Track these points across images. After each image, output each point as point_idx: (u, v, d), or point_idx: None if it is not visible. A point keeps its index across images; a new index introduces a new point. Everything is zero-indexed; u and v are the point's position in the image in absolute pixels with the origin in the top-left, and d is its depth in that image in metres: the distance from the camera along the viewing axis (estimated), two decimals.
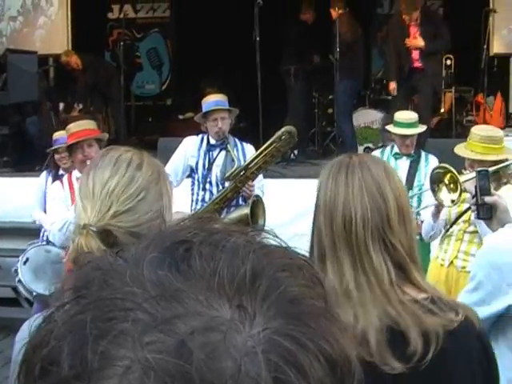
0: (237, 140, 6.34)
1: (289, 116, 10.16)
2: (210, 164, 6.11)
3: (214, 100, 6.31)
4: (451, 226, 4.96)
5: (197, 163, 6.15)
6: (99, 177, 1.87)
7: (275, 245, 0.67)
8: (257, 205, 5.56)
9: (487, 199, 3.41)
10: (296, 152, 10.28)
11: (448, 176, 4.68)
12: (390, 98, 10.91)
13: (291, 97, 10.62)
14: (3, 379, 6.06)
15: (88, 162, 5.27)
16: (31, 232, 6.53)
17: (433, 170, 4.98)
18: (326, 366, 0.60)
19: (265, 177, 7.17)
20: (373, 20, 13.58)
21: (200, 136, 6.28)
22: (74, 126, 5.76)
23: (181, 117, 12.98)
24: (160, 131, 10.48)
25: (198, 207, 6.03)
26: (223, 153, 6.13)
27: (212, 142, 6.16)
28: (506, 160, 4.82)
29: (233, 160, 5.98)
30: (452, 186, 4.62)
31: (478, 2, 11.01)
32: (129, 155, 1.92)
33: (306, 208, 7.65)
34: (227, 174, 5.81)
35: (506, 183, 4.78)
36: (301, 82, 10.56)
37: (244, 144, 6.34)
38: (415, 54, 9.51)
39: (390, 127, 6.29)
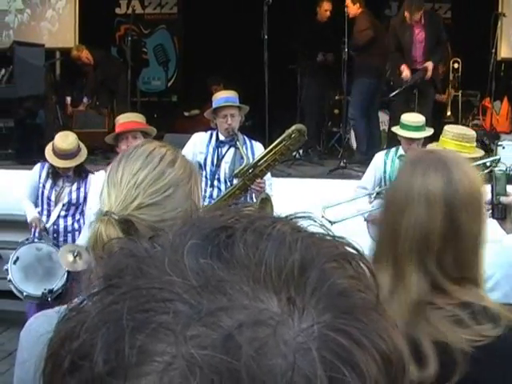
0: (246, 137, 6.30)
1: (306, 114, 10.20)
2: (219, 160, 6.07)
3: (224, 96, 6.24)
4: None
5: (205, 159, 6.10)
6: (129, 167, 1.85)
7: (323, 233, 0.63)
8: (265, 203, 5.52)
9: (503, 199, 3.41)
10: (301, 152, 10.25)
11: None
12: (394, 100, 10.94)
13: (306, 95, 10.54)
14: (4, 372, 6.03)
15: None
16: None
17: None
18: (381, 364, 0.55)
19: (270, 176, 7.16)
20: (380, 22, 13.53)
21: (209, 132, 6.24)
22: (122, 118, 5.89)
23: (186, 114, 12.95)
24: (165, 128, 10.42)
25: (206, 204, 5.99)
26: (232, 149, 6.08)
27: (221, 138, 6.11)
28: (479, 159, 4.87)
29: (242, 157, 5.93)
30: None
31: (487, 6, 10.97)
32: (163, 150, 1.89)
33: (309, 207, 7.64)
34: (236, 171, 5.76)
35: None
36: (314, 81, 10.49)
37: (253, 142, 6.30)
38: (417, 55, 9.48)
39: (396, 129, 6.22)
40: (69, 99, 11.39)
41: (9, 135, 10.07)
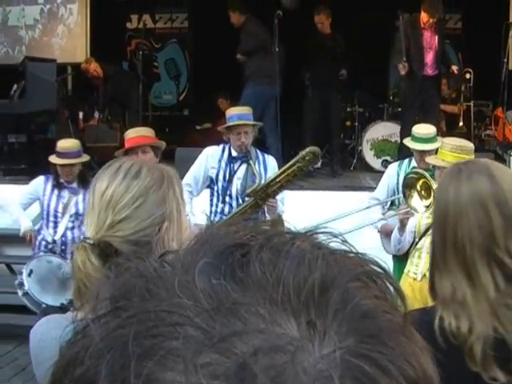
0: (258, 152, 6.23)
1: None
2: (231, 176, 5.99)
3: (237, 113, 6.13)
4: (420, 239, 4.89)
5: (217, 175, 6.03)
6: (98, 188, 1.90)
7: (344, 250, 0.59)
8: (276, 223, 5.47)
9: None
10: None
11: (421, 182, 4.80)
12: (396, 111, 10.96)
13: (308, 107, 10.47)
14: None
15: None
16: None
17: (406, 175, 5.09)
18: None
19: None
20: (391, 33, 13.51)
21: (221, 146, 6.16)
22: (131, 132, 5.88)
23: (198, 127, 12.94)
24: (177, 141, 10.42)
25: (217, 219, 5.95)
26: (244, 165, 6.00)
27: (233, 153, 6.02)
28: None
29: (254, 173, 5.89)
30: (424, 192, 4.75)
31: (498, 16, 10.94)
32: (128, 164, 1.93)
33: (323, 220, 7.61)
34: (248, 191, 5.71)
35: None
36: (316, 93, 10.41)
37: (266, 156, 6.23)
38: (428, 61, 9.45)
39: (407, 141, 6.16)
40: (81, 114, 11.41)
41: (21, 150, 10.08)
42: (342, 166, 10.30)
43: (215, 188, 6.04)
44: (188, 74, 14.75)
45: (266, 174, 6.02)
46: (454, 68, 9.46)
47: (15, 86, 9.89)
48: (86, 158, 6.45)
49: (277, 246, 0.56)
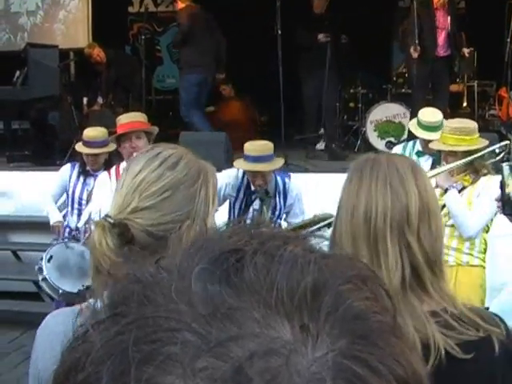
0: (279, 180, 5.87)
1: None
2: (247, 207, 5.79)
3: (254, 155, 5.62)
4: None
5: (234, 202, 5.82)
6: (132, 170, 1.84)
7: (336, 253, 0.60)
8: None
9: None
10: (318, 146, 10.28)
11: None
12: (410, 91, 10.87)
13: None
14: (24, 374, 6.06)
15: (135, 154, 5.33)
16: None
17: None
18: None
19: (287, 171, 7.11)
20: (394, 13, 13.47)
21: (241, 173, 5.81)
22: (124, 118, 5.87)
23: None
24: (181, 125, 10.41)
25: None
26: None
27: (252, 187, 5.77)
28: (479, 150, 4.88)
29: (275, 206, 5.75)
30: None
31: None
32: (168, 153, 1.86)
33: (328, 202, 7.61)
34: None
35: (485, 174, 4.82)
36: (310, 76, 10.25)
37: (287, 183, 5.89)
38: (440, 41, 9.43)
39: (413, 128, 6.09)
40: (85, 100, 11.39)
41: (24, 137, 10.13)
42: (346, 148, 10.26)
43: (231, 215, 5.86)
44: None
45: (285, 204, 5.84)
46: (466, 51, 9.42)
47: (18, 73, 9.89)
48: (112, 147, 6.38)
49: (270, 251, 0.57)
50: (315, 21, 9.74)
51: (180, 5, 10.10)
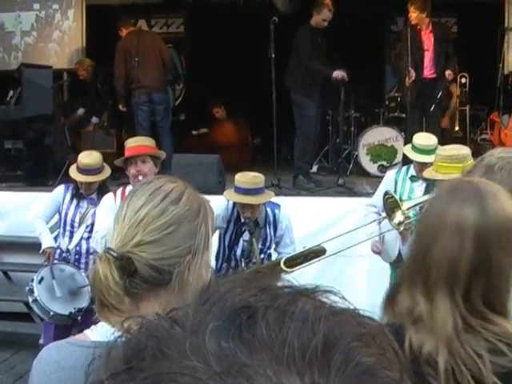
0: (269, 212, 5.87)
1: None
2: (237, 238, 5.81)
3: (245, 187, 5.61)
4: None
5: (224, 233, 5.83)
6: (133, 203, 1.85)
7: (345, 309, 0.61)
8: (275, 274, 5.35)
9: None
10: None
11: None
12: (403, 115, 10.90)
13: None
14: None
15: (140, 178, 5.38)
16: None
17: (384, 201, 5.17)
18: None
19: (278, 195, 7.12)
20: (386, 37, 13.57)
21: (231, 204, 5.84)
22: (131, 141, 5.86)
23: (194, 132, 12.96)
24: (174, 147, 10.43)
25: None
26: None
27: (242, 219, 5.78)
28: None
29: (261, 235, 5.77)
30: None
31: (494, 20, 10.98)
32: (170, 187, 1.88)
33: (319, 226, 7.61)
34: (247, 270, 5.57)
35: None
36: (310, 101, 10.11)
37: (277, 214, 5.88)
38: (425, 63, 9.46)
39: (407, 151, 6.16)
40: (80, 110, 11.37)
41: (18, 157, 10.09)
42: (338, 171, 10.27)
43: (221, 245, 5.86)
44: (184, 79, 14.76)
45: (275, 235, 5.86)
46: (447, 73, 9.41)
47: (11, 93, 9.90)
48: (106, 173, 6.39)
49: (281, 308, 0.58)
50: (321, 48, 9.63)
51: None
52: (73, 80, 11.73)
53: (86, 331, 1.81)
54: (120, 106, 10.44)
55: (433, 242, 1.83)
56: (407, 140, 8.46)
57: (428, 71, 9.54)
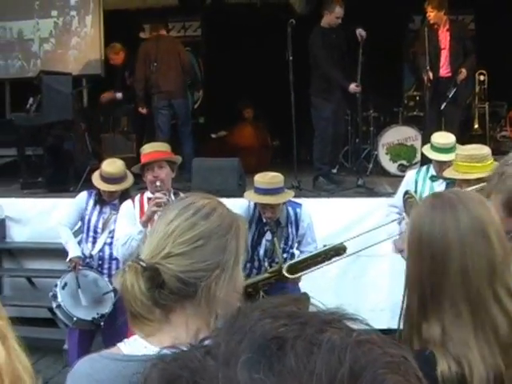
0: (290, 210, 5.92)
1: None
2: (260, 238, 5.84)
3: (264, 187, 5.66)
4: None
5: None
6: (166, 217, 1.89)
7: (370, 337, 0.63)
8: (302, 302, 5.36)
9: None
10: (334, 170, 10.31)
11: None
12: (422, 114, 10.87)
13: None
14: None
15: (158, 183, 5.45)
16: (66, 253, 6.53)
17: (405, 199, 5.11)
18: None
19: (299, 196, 7.13)
20: (405, 36, 13.53)
21: (252, 205, 5.89)
22: (147, 147, 5.87)
23: (213, 135, 13.00)
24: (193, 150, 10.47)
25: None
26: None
27: (263, 219, 5.82)
28: None
29: (283, 233, 5.79)
30: None
31: (511, 17, 10.93)
32: (202, 203, 1.91)
33: (340, 227, 7.60)
34: (270, 270, 5.63)
35: None
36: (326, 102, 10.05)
37: (298, 212, 5.92)
38: (442, 62, 9.43)
39: (426, 150, 6.17)
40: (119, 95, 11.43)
41: (38, 163, 10.16)
42: (358, 172, 10.25)
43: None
44: (203, 82, 14.80)
45: (297, 234, 5.90)
46: (463, 71, 9.35)
47: (31, 100, 9.97)
48: (129, 182, 6.41)
49: (309, 338, 0.60)
50: (336, 48, 9.60)
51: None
52: (94, 87, 11.79)
53: (119, 344, 1.84)
54: (139, 108, 10.49)
55: (464, 253, 1.81)
56: (425, 139, 8.45)
57: (444, 70, 9.51)
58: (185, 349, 0.63)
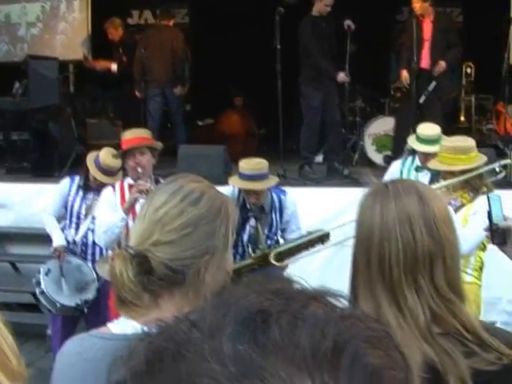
0: (275, 196, 5.92)
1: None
2: (244, 224, 5.80)
3: (249, 173, 5.67)
4: None
5: None
6: (154, 202, 1.88)
7: (353, 312, 0.64)
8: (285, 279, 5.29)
9: (501, 224, 3.42)
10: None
11: None
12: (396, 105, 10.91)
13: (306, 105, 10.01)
14: None
15: (139, 170, 5.40)
16: (50, 238, 6.51)
17: None
18: None
19: (284, 184, 7.13)
20: (392, 27, 13.53)
21: (237, 191, 5.87)
22: (128, 133, 5.82)
23: (200, 123, 12.98)
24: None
25: None
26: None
27: (247, 205, 5.81)
28: (476, 169, 4.90)
29: (267, 219, 5.80)
30: None
31: (499, 10, 10.95)
32: (191, 187, 1.89)
33: (325, 216, 7.61)
34: (254, 255, 5.56)
35: (485, 192, 4.80)
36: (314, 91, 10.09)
37: (282, 198, 5.93)
38: (423, 54, 9.40)
39: (412, 142, 6.18)
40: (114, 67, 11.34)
41: (24, 148, 10.13)
42: (344, 162, 10.26)
43: None
44: (189, 69, 14.76)
45: (281, 220, 5.90)
46: (441, 64, 9.30)
47: (17, 84, 9.92)
48: (120, 173, 6.35)
49: (294, 312, 0.61)
50: (326, 37, 9.60)
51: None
52: (81, 73, 11.74)
53: (109, 324, 1.84)
54: (136, 92, 10.51)
55: (384, 239, 1.85)
56: (397, 131, 8.49)
57: (424, 61, 9.46)
58: (170, 322, 0.64)
